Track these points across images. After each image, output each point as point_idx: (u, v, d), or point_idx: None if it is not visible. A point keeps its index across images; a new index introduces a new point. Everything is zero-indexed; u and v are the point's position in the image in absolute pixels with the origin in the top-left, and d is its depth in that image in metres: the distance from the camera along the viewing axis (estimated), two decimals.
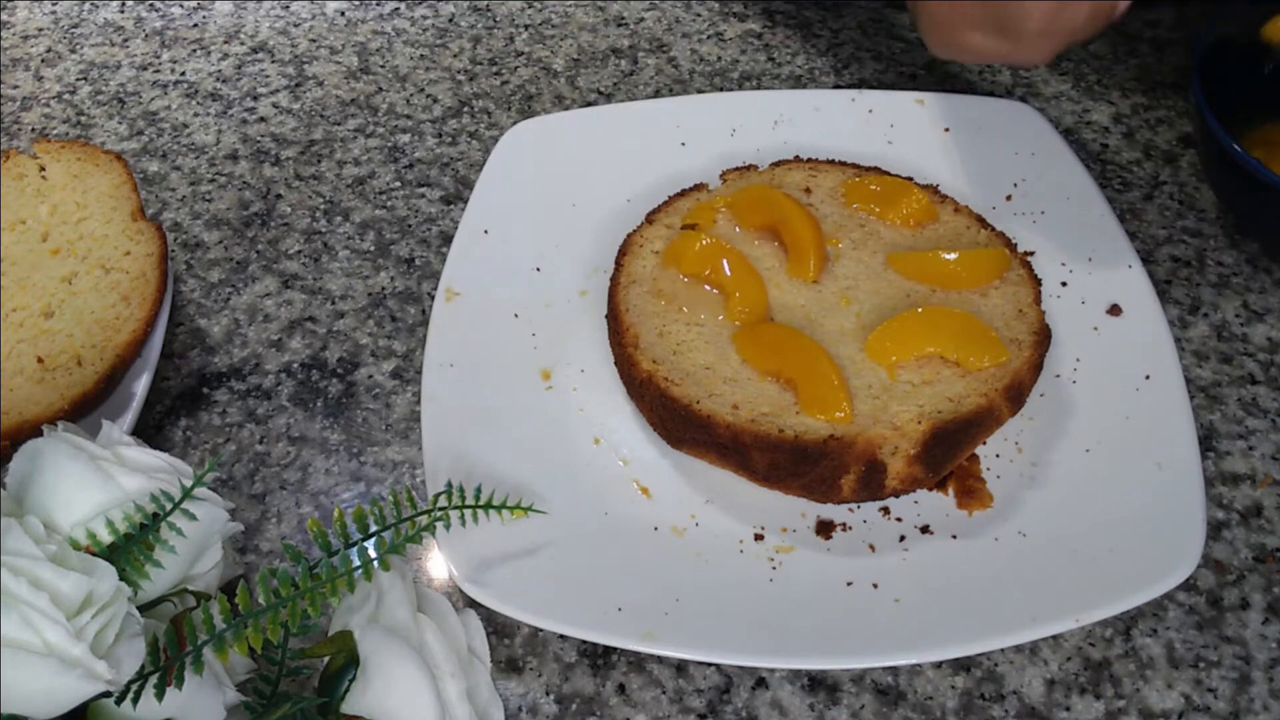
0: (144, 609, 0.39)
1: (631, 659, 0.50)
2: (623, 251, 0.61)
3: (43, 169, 0.64)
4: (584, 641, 0.51)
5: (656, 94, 0.77)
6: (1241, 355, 0.62)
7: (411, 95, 0.77)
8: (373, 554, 0.41)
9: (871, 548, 0.52)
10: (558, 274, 0.63)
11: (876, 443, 0.51)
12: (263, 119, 0.76)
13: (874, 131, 0.70)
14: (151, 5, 0.84)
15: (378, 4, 0.85)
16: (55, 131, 0.75)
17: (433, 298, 0.62)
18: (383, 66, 0.79)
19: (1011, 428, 0.55)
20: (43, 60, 0.80)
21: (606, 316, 0.60)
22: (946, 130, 0.69)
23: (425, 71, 0.79)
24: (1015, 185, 0.66)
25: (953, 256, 0.58)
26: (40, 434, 0.41)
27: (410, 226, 0.69)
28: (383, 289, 0.65)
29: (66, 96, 0.77)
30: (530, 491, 0.52)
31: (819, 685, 0.49)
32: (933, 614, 0.49)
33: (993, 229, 0.61)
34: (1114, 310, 0.60)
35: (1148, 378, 0.56)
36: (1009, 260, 0.59)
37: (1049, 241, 0.63)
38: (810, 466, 0.51)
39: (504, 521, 0.48)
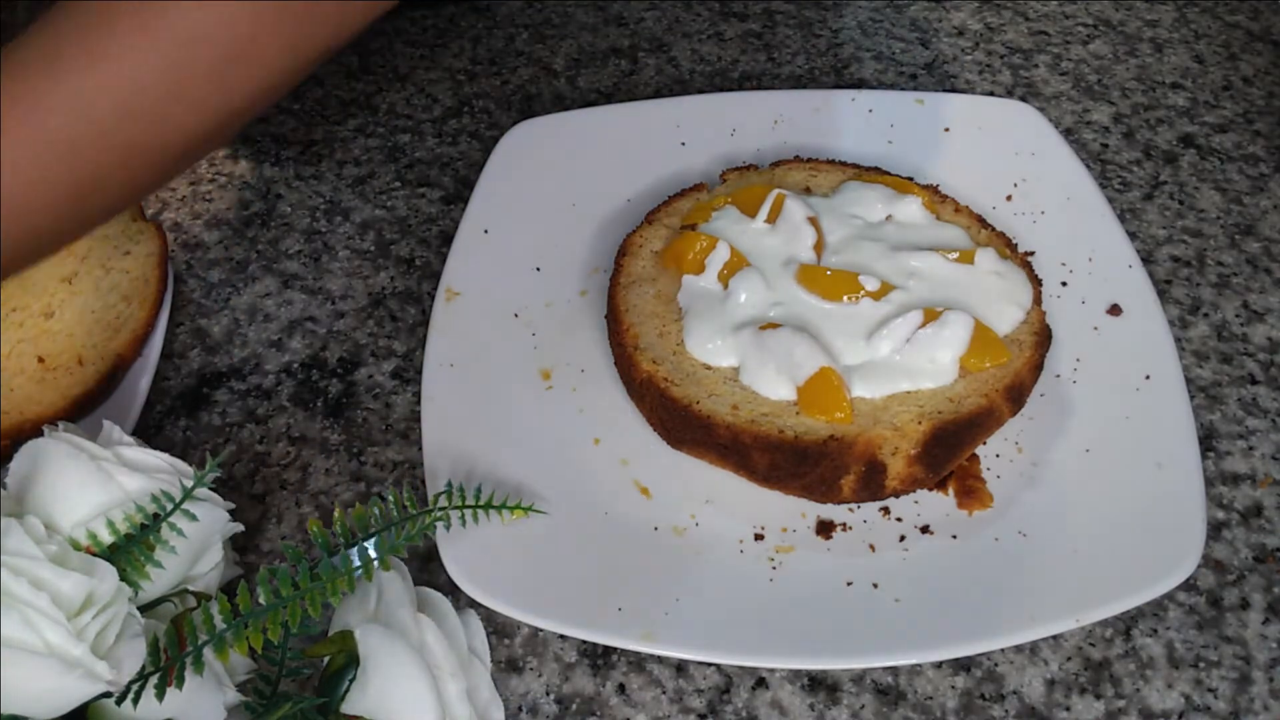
0: (144, 609, 0.40)
1: (631, 659, 0.50)
2: (622, 251, 0.61)
3: None
4: (584, 641, 0.51)
5: (656, 94, 0.77)
6: (1241, 355, 0.62)
7: (411, 95, 0.77)
8: (373, 554, 0.41)
9: (871, 548, 0.52)
10: (558, 274, 0.63)
11: (877, 443, 0.51)
12: (263, 119, 0.76)
13: (874, 131, 0.70)
14: None
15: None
16: None
17: (433, 298, 0.62)
18: (383, 66, 0.79)
19: (1011, 428, 0.55)
20: None
21: (606, 316, 0.60)
22: (946, 130, 0.69)
23: (425, 71, 0.79)
24: (1015, 185, 0.66)
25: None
26: (41, 434, 0.41)
27: (410, 226, 0.69)
28: (383, 289, 0.65)
29: None
30: (530, 491, 0.52)
31: (819, 685, 0.49)
32: (933, 614, 0.49)
33: (993, 229, 0.61)
34: (1114, 310, 0.60)
35: (1148, 378, 0.56)
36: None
37: (1049, 241, 0.63)
38: (810, 467, 0.51)
39: (504, 521, 0.48)
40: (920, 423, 0.52)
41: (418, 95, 0.77)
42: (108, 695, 0.36)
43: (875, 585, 0.50)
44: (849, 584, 0.50)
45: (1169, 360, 0.57)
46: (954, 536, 0.52)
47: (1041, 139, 0.68)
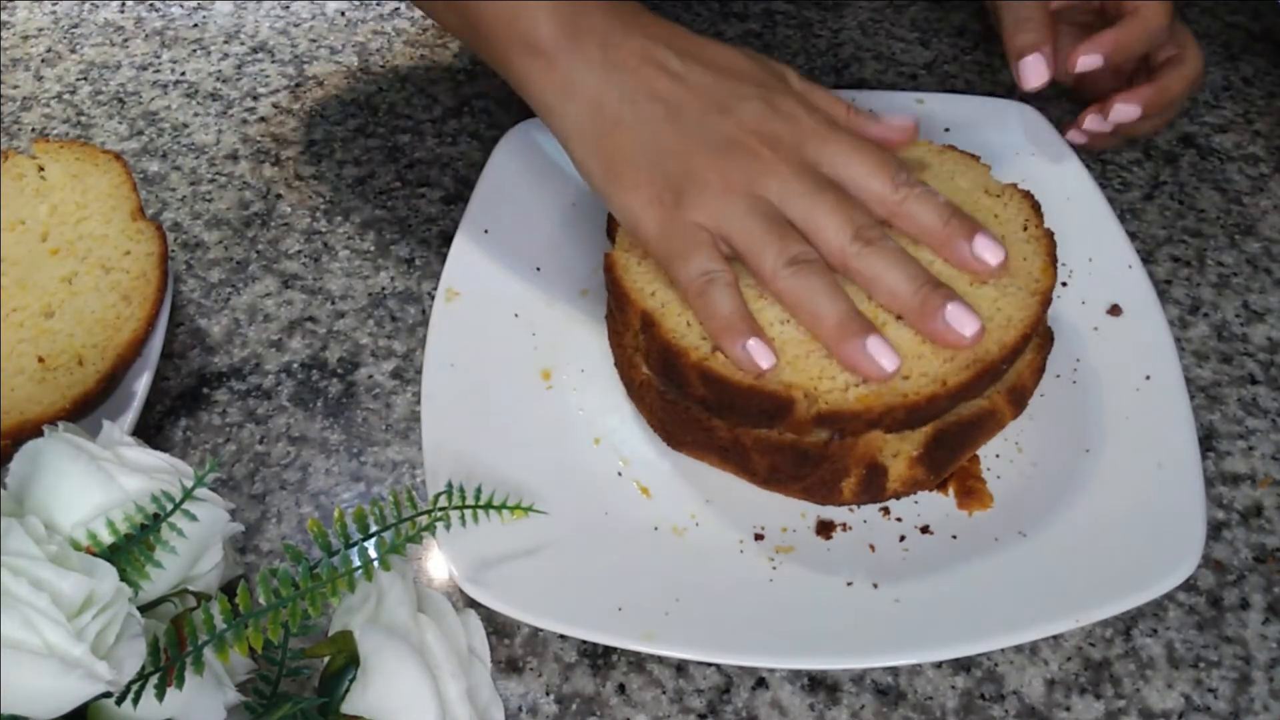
0: (144, 609, 0.39)
1: (631, 659, 0.50)
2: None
3: (41, 169, 0.64)
4: (584, 641, 0.51)
5: None
6: (1241, 355, 0.62)
7: (411, 95, 0.77)
8: (373, 554, 0.41)
9: (871, 548, 0.52)
10: (558, 274, 0.63)
11: (877, 446, 0.51)
12: (263, 119, 0.76)
13: None
14: (151, 5, 0.84)
15: (378, 4, 0.84)
16: (55, 131, 0.75)
17: (433, 298, 0.62)
18: (383, 66, 0.79)
19: (1012, 428, 0.55)
20: (43, 60, 0.80)
21: (606, 317, 0.60)
22: (946, 130, 0.69)
23: (425, 71, 0.79)
24: (1015, 186, 0.66)
25: None
26: (41, 434, 0.41)
27: (410, 226, 0.69)
28: (383, 289, 0.65)
29: (66, 96, 0.77)
30: (530, 491, 0.52)
31: (819, 685, 0.49)
32: (933, 614, 0.49)
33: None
34: (1114, 310, 0.60)
35: (1148, 378, 0.56)
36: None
37: None
38: (811, 469, 0.51)
39: (504, 521, 0.48)
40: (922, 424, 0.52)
41: (418, 95, 0.77)
42: (108, 695, 0.36)
43: (875, 585, 0.50)
44: (849, 584, 0.50)
45: (1169, 360, 0.57)
46: (954, 536, 0.52)
47: (1041, 139, 0.68)
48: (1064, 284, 0.61)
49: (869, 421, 0.50)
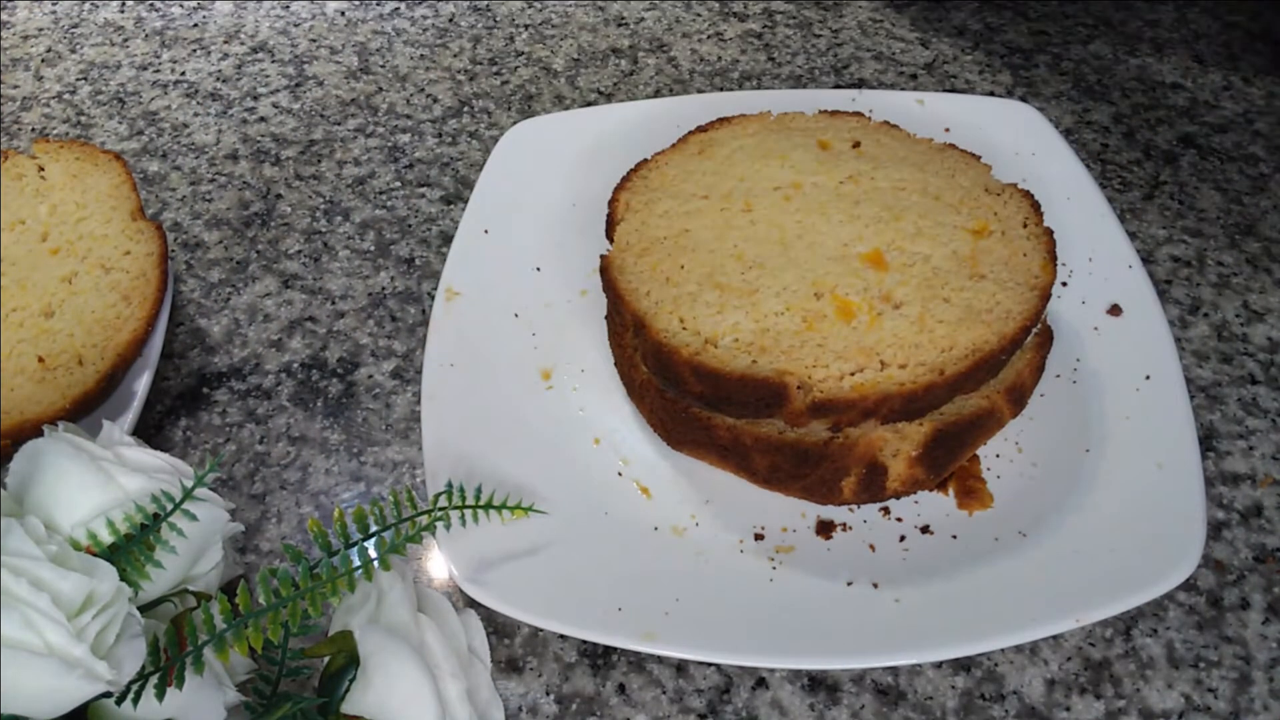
0: (144, 609, 0.39)
1: (631, 659, 0.50)
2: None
3: (41, 169, 0.64)
4: (584, 641, 0.51)
5: (656, 94, 0.77)
6: (1241, 355, 0.62)
7: (411, 95, 0.77)
8: (373, 554, 0.41)
9: (871, 548, 0.52)
10: (558, 274, 0.63)
11: (877, 445, 0.51)
12: (263, 119, 0.76)
13: None
14: (151, 5, 0.84)
15: (378, 4, 0.85)
16: (55, 131, 0.75)
17: (433, 298, 0.62)
18: (383, 66, 0.79)
19: (1011, 428, 0.55)
20: (43, 60, 0.80)
21: (606, 317, 0.60)
22: (947, 130, 0.69)
23: (425, 71, 0.79)
24: (1015, 185, 0.66)
25: None
26: (41, 434, 0.41)
27: (410, 226, 0.69)
28: (383, 289, 0.65)
29: (66, 96, 0.77)
30: (530, 491, 0.52)
31: (819, 685, 0.49)
32: (933, 614, 0.49)
33: None
34: (1114, 310, 0.60)
35: (1148, 378, 0.56)
36: None
37: None
38: (811, 469, 0.51)
39: (504, 521, 0.48)
40: (921, 424, 0.52)
41: (418, 95, 0.77)
42: (108, 695, 0.36)
43: (875, 585, 0.50)
44: (849, 584, 0.50)
45: (1169, 360, 0.57)
46: (954, 536, 0.52)
47: (1041, 139, 0.68)
48: (1064, 284, 0.61)
49: (865, 410, 0.50)
